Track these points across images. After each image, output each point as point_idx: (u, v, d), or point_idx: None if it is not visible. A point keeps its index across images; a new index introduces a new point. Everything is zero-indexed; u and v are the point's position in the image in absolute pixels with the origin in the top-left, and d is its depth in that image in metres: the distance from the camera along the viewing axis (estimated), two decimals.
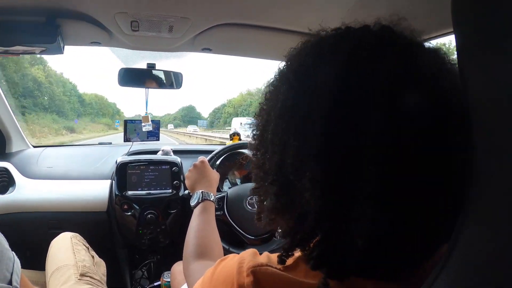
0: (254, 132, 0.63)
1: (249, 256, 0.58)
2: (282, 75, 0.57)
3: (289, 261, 0.54)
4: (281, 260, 0.54)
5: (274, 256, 0.57)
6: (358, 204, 0.44)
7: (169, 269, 1.58)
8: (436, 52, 0.52)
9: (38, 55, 1.38)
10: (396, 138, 0.43)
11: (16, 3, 1.19)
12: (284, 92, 0.53)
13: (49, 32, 1.29)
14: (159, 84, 1.85)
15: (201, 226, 1.17)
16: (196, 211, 1.24)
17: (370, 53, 0.48)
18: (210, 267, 0.68)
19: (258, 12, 1.24)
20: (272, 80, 0.60)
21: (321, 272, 0.47)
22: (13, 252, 0.73)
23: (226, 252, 1.48)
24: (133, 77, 1.82)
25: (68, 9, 1.25)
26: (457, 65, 0.45)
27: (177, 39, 1.50)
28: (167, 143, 2.69)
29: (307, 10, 1.19)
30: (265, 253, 0.60)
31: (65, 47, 1.44)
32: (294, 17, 1.26)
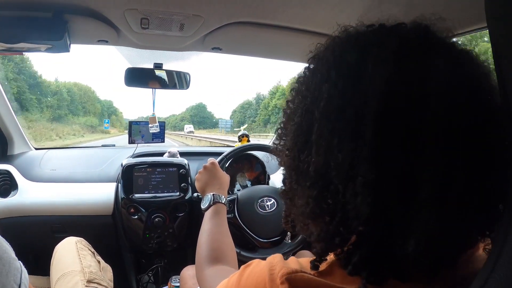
0: (282, 131, 0.61)
1: (279, 262, 0.55)
2: (317, 72, 0.54)
3: (322, 266, 0.51)
4: (314, 266, 0.52)
5: (304, 261, 0.55)
6: (413, 207, 0.43)
7: (177, 273, 1.56)
8: (470, 53, 0.51)
9: (44, 50, 1.34)
10: (452, 136, 0.43)
11: None
12: (327, 90, 0.50)
13: (56, 28, 1.25)
14: (167, 84, 1.82)
15: (213, 230, 1.14)
16: (207, 214, 1.22)
17: (417, 49, 0.47)
18: (226, 272, 0.68)
19: (272, 10, 1.22)
20: (302, 77, 0.58)
21: (361, 277, 0.45)
22: (20, 262, 0.69)
23: (238, 255, 1.46)
24: (139, 77, 1.79)
25: (77, 5, 1.21)
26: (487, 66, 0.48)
27: (187, 37, 1.47)
28: (172, 145, 2.69)
29: (322, 9, 1.17)
30: (293, 258, 0.57)
31: (71, 45, 1.41)
32: (308, 16, 1.23)
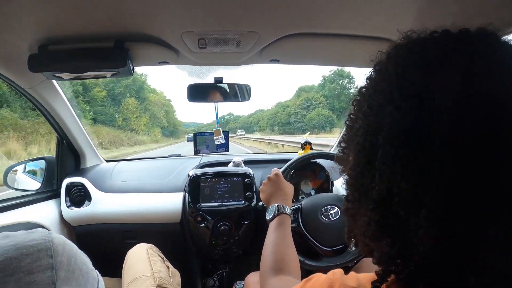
0: (345, 145, 0.59)
1: (338, 279, 0.57)
2: (379, 89, 0.52)
3: (383, 286, 0.50)
4: (375, 287, 0.50)
5: (363, 278, 0.55)
6: (481, 245, 0.40)
7: (241, 278, 1.60)
8: None
9: (109, 77, 1.44)
10: None
11: (85, 30, 1.25)
12: (390, 114, 0.47)
13: (119, 56, 1.33)
14: (228, 97, 1.86)
15: (277, 241, 1.16)
16: (272, 225, 1.24)
17: (488, 67, 0.44)
18: (289, 283, 0.69)
19: (324, 20, 1.21)
20: (363, 89, 0.56)
21: None
22: (96, 271, 0.77)
23: (302, 263, 1.46)
24: (201, 93, 1.84)
25: (136, 33, 1.29)
26: None
27: (245, 53, 1.50)
28: (237, 152, 2.73)
29: (375, 13, 1.15)
30: (353, 274, 0.58)
31: (134, 68, 1.49)
32: (361, 21, 1.21)
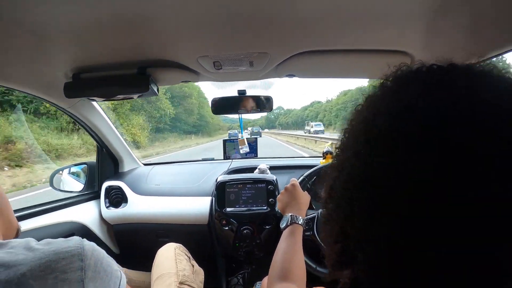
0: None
1: None
2: (350, 131, 0.52)
3: None
4: None
5: None
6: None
7: (261, 279, 1.65)
8: None
9: (136, 98, 1.57)
10: None
11: (111, 59, 1.38)
12: (348, 159, 0.49)
13: (142, 82, 1.45)
14: (251, 109, 1.92)
15: (286, 249, 1.21)
16: (284, 234, 1.29)
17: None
18: None
19: (332, 37, 1.24)
20: (346, 127, 0.53)
21: None
22: (120, 271, 0.91)
23: (314, 270, 1.52)
24: (226, 105, 1.93)
25: (156, 59, 1.40)
26: None
27: (259, 71, 1.56)
28: (265, 156, 2.79)
29: (384, 28, 1.15)
30: None
31: (159, 87, 1.61)
32: (370, 36, 1.23)
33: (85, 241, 0.82)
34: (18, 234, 0.99)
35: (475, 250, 0.37)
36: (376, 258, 0.44)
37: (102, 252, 0.86)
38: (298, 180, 1.65)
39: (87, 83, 1.47)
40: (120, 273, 0.90)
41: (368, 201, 0.44)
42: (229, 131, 45.10)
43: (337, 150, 0.55)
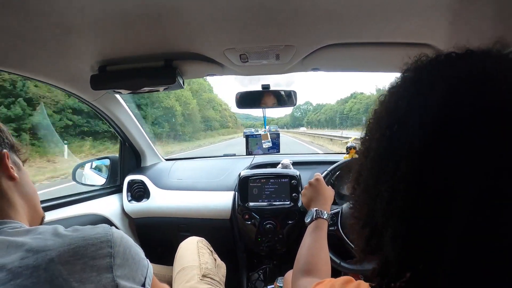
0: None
1: (339, 285, 0.63)
2: (378, 117, 0.55)
3: None
4: None
5: (364, 286, 0.59)
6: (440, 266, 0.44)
7: (283, 274, 1.65)
8: None
9: (162, 91, 1.57)
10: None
11: (138, 52, 1.38)
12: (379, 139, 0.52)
13: (168, 74, 1.45)
14: (275, 103, 1.91)
15: (312, 244, 1.21)
16: (309, 229, 1.28)
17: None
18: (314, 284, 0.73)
19: (357, 30, 1.23)
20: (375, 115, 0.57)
21: None
22: (147, 260, 0.93)
23: (338, 266, 1.50)
24: (249, 100, 1.92)
25: (183, 52, 1.40)
26: None
27: (285, 64, 1.55)
28: (287, 152, 2.79)
29: (407, 20, 1.14)
30: (357, 283, 0.62)
31: (184, 81, 1.61)
32: (395, 28, 1.21)
33: (114, 228, 0.83)
34: (42, 222, 1.02)
35: None
36: (402, 233, 0.46)
37: (131, 240, 0.86)
38: (322, 175, 1.63)
39: (114, 75, 1.47)
40: (147, 262, 0.91)
41: (392, 179, 0.47)
42: (244, 130, 44.07)
43: (362, 138, 0.59)
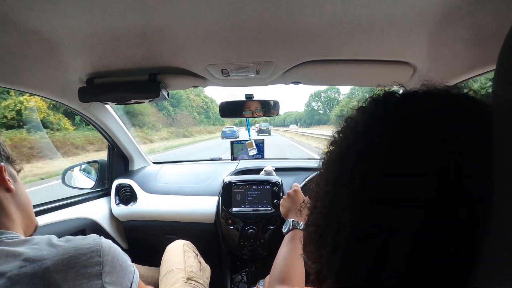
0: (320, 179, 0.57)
1: None
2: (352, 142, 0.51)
3: None
4: None
5: None
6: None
7: (264, 277, 1.69)
8: None
9: (147, 102, 1.63)
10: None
11: (124, 66, 1.43)
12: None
13: (152, 88, 1.51)
14: (258, 112, 1.96)
15: (287, 254, 1.24)
16: (286, 239, 1.32)
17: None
18: None
19: (336, 48, 1.27)
20: (341, 135, 0.55)
21: None
22: (134, 266, 1.01)
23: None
24: (233, 109, 1.97)
25: (167, 66, 1.45)
26: None
27: (265, 78, 1.61)
28: (271, 157, 2.83)
29: (386, 39, 1.17)
30: None
31: (169, 93, 1.67)
32: (374, 47, 1.25)
33: (103, 238, 0.91)
34: (35, 230, 1.09)
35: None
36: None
37: (118, 249, 0.95)
38: (300, 185, 1.69)
39: (101, 88, 1.53)
40: (133, 269, 1.00)
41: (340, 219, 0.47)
42: (223, 129, 42.93)
43: (320, 167, 0.58)
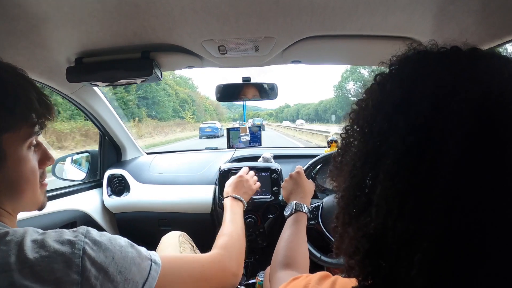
0: (340, 166, 0.55)
1: (315, 282, 0.61)
2: (381, 112, 0.47)
3: None
4: None
5: (341, 282, 0.57)
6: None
7: (264, 269, 1.65)
8: None
9: (140, 83, 1.55)
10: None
11: (114, 43, 1.36)
12: (394, 146, 0.43)
13: (145, 66, 1.43)
14: (256, 96, 1.91)
15: (290, 238, 1.22)
16: (288, 222, 1.29)
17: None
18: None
19: (339, 22, 1.22)
20: (364, 105, 0.52)
21: None
22: (150, 254, 0.90)
23: (318, 260, 1.50)
24: (230, 92, 1.92)
25: (160, 44, 1.38)
26: None
27: (265, 56, 1.55)
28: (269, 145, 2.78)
29: (391, 13, 1.13)
30: (334, 278, 0.60)
31: (163, 73, 1.60)
32: (378, 21, 1.21)
33: (88, 246, 0.70)
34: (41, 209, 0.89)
35: None
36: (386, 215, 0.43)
37: (116, 248, 0.77)
38: (303, 168, 1.64)
39: (90, 67, 1.45)
40: (148, 261, 0.85)
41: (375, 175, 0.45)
42: (201, 125, 36.59)
43: (347, 128, 0.55)
